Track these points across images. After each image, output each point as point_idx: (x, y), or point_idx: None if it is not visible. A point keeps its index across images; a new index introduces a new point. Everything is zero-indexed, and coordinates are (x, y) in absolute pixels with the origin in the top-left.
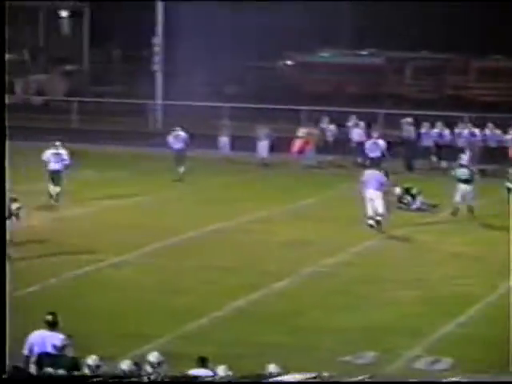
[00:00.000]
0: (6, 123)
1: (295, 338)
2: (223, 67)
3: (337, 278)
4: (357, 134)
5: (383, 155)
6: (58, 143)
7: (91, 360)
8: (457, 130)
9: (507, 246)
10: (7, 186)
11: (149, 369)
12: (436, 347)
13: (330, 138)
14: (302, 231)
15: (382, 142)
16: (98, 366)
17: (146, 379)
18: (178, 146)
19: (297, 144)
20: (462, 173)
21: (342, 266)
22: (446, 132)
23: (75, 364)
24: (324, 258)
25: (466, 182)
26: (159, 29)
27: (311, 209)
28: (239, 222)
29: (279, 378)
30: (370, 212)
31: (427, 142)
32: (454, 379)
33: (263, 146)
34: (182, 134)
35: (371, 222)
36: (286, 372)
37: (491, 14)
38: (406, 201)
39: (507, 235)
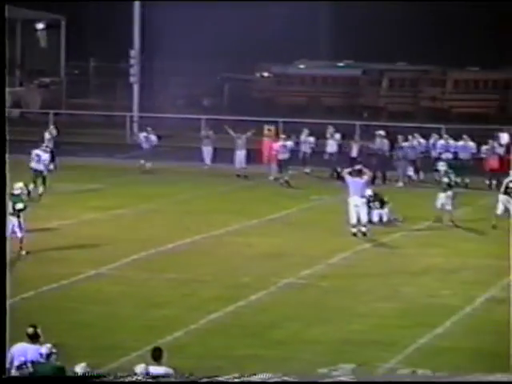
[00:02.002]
0: (6, 127)
1: (272, 351)
2: (201, 79)
3: (313, 290)
4: (330, 145)
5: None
6: (44, 145)
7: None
8: (431, 141)
9: (483, 259)
10: None
11: None
12: (413, 359)
13: (308, 149)
14: (279, 243)
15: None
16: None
17: (147, 380)
18: (146, 145)
19: (265, 153)
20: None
21: (318, 278)
22: (423, 143)
23: (62, 372)
24: (300, 270)
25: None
26: (136, 41)
27: (288, 221)
28: (217, 234)
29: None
30: (353, 220)
31: (402, 154)
32: (454, 379)
33: (240, 156)
34: (152, 136)
35: (355, 230)
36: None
37: (470, 27)
38: (374, 206)
39: (483, 247)
